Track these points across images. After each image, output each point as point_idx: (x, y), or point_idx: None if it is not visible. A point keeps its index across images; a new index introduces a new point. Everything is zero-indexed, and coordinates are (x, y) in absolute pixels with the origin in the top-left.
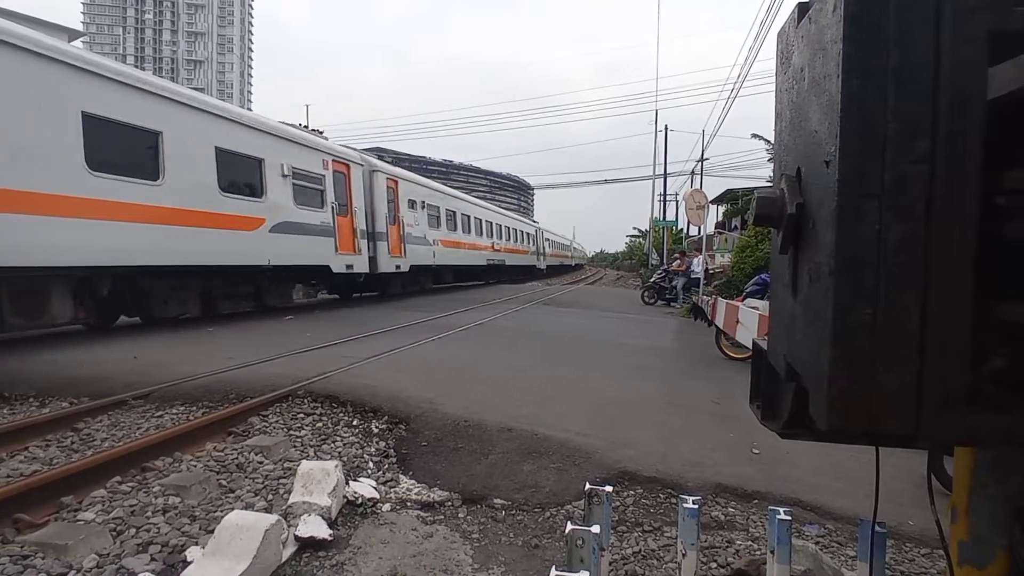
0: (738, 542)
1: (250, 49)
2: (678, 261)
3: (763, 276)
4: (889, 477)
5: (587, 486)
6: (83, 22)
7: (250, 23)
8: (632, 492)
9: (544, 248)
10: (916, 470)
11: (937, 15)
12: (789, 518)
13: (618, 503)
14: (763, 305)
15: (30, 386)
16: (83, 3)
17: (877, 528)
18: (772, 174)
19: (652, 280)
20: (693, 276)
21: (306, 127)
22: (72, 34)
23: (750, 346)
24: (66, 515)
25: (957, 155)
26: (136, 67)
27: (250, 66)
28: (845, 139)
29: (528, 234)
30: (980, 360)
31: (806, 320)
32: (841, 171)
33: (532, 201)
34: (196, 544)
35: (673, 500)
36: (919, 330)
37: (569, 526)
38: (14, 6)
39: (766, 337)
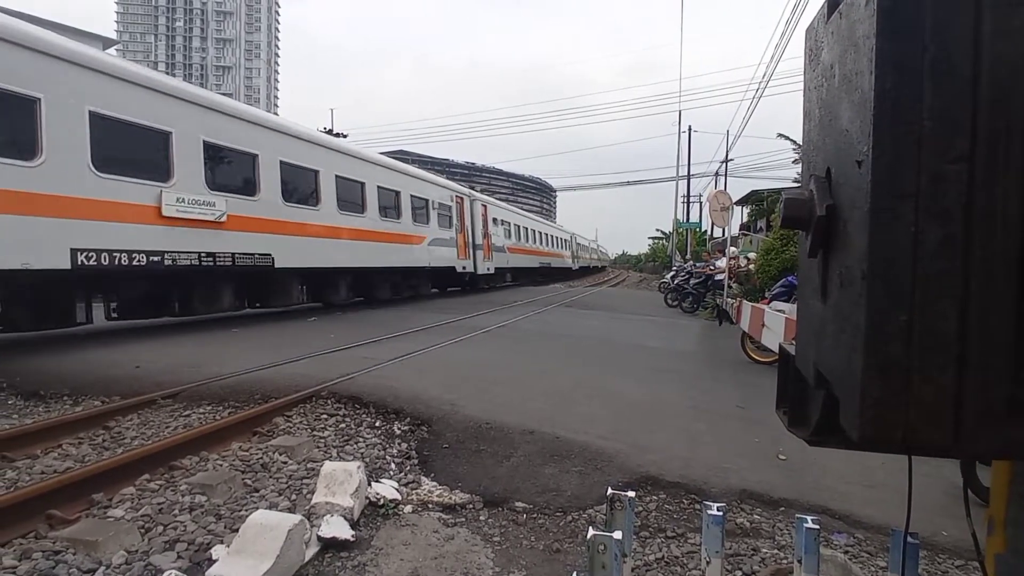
0: (764, 550)
1: (276, 55)
2: (703, 263)
3: (790, 278)
4: (922, 486)
5: (609, 491)
6: (116, 30)
7: (276, 29)
8: (655, 497)
9: (483, 236)
10: (950, 479)
11: (977, 8)
12: (817, 526)
13: (640, 508)
14: (789, 308)
15: (64, 384)
16: (117, 12)
17: (910, 539)
18: (800, 175)
19: (676, 282)
20: (717, 279)
21: (330, 130)
22: (106, 42)
23: (776, 350)
24: (97, 512)
25: (998, 153)
26: (168, 73)
27: (276, 71)
28: (879, 138)
29: (432, 203)
30: (1022, 369)
31: (837, 326)
32: (874, 171)
33: (555, 203)
34: (221, 542)
35: (697, 506)
36: (958, 337)
37: (591, 531)
38: (54, 16)
39: (793, 342)
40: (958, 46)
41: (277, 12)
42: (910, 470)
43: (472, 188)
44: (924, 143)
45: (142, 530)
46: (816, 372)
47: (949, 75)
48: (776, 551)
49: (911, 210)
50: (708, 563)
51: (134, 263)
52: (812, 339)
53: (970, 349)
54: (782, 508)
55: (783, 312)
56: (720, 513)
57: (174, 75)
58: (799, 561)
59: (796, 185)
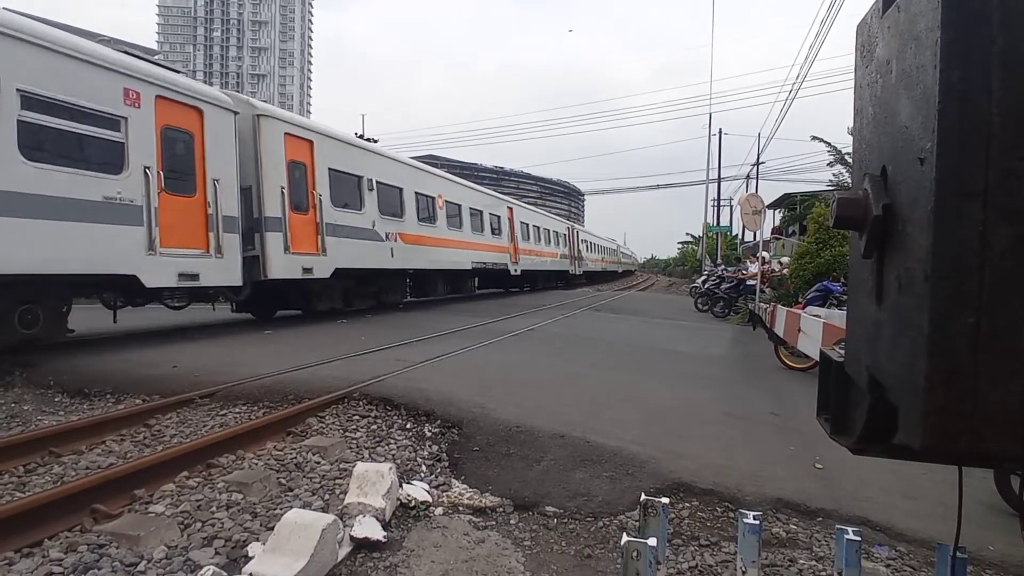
0: (801, 561)
1: (309, 62)
2: (734, 268)
3: (825, 283)
4: (966, 498)
5: (643, 497)
6: (158, 41)
7: (310, 37)
8: (687, 504)
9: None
10: (995, 491)
11: None
12: (859, 538)
13: (673, 515)
14: (825, 313)
15: (107, 383)
16: (158, 24)
17: (958, 554)
18: (836, 177)
19: (707, 287)
20: (748, 283)
21: (362, 135)
22: (148, 52)
23: (813, 356)
24: (138, 507)
25: None
26: (205, 82)
27: (309, 78)
28: (944, 134)
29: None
30: None
31: (895, 329)
32: (939, 168)
33: (583, 207)
34: (257, 540)
35: (731, 514)
36: None
37: (625, 537)
38: (98, 28)
39: (835, 347)
40: None
41: (310, 21)
42: (960, 482)
43: (501, 192)
44: (993, 139)
45: (181, 526)
46: (869, 378)
47: (1019, 67)
48: (814, 562)
49: (979, 209)
50: (744, 573)
51: None
52: (865, 343)
53: None
54: (820, 518)
55: (819, 317)
56: (756, 522)
57: (211, 83)
58: (839, 573)
59: (831, 188)
